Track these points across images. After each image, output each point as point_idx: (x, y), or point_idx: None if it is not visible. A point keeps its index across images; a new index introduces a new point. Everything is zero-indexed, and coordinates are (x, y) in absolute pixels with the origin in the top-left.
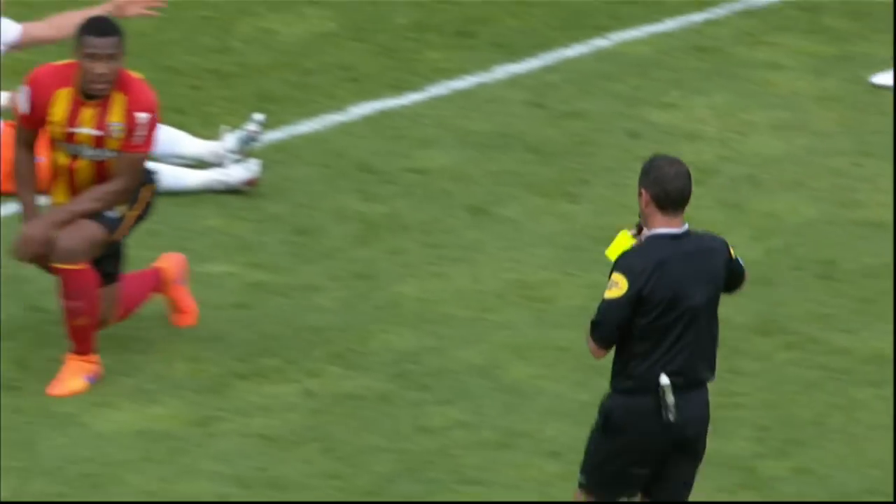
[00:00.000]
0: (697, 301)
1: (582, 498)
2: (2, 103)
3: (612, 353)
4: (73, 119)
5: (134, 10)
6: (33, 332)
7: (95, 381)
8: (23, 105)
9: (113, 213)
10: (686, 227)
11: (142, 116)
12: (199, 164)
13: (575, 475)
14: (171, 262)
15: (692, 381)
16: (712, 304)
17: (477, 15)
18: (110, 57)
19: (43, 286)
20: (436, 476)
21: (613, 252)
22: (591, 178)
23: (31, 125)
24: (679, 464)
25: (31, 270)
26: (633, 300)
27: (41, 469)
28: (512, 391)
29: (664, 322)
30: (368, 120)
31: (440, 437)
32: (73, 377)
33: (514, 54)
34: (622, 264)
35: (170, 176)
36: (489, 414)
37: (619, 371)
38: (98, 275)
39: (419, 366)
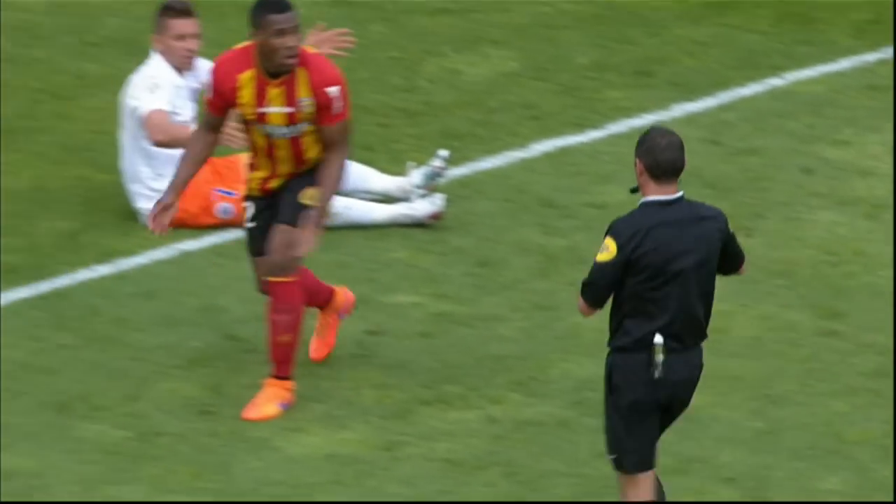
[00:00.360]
0: (686, 264)
1: (622, 483)
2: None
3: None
4: (261, 100)
5: (327, 48)
6: (228, 359)
7: (287, 408)
8: (207, 91)
9: (311, 212)
10: (680, 194)
11: (333, 90)
12: (387, 199)
13: (750, 500)
14: (346, 294)
15: (680, 341)
16: (702, 268)
17: (655, 55)
18: (295, 29)
19: (238, 316)
20: (614, 500)
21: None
22: (766, 212)
23: (215, 110)
24: (664, 425)
25: (228, 300)
26: (623, 263)
27: (236, 491)
28: (688, 418)
29: (654, 284)
30: (549, 156)
31: None
32: (269, 403)
33: (692, 93)
34: (614, 229)
35: (359, 210)
36: (666, 440)
37: (615, 330)
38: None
39: (597, 393)
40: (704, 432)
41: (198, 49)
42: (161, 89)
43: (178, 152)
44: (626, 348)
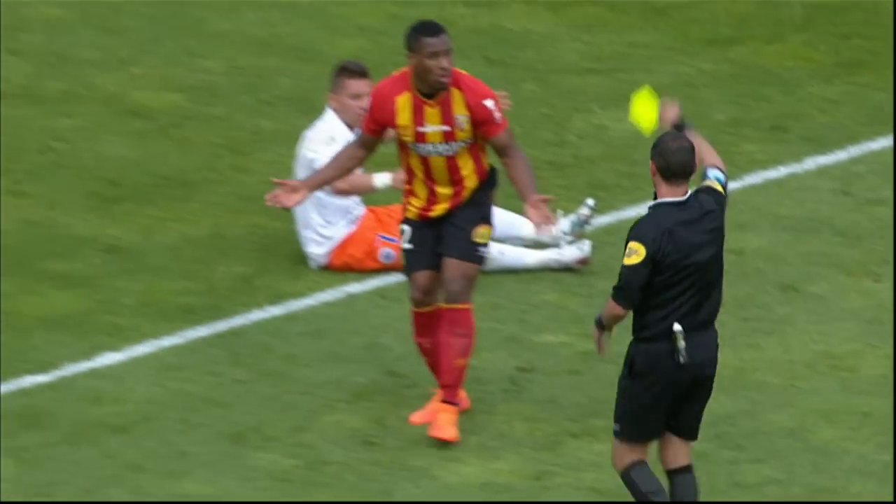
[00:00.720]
0: (702, 258)
1: (620, 448)
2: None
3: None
4: (419, 119)
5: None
6: (390, 394)
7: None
8: (365, 112)
9: (483, 248)
10: (689, 193)
11: (489, 102)
12: (537, 245)
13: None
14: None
15: (700, 324)
16: (715, 258)
17: (789, 112)
18: (448, 51)
19: (399, 353)
20: None
21: (640, 111)
22: (893, 259)
23: (370, 131)
24: (695, 397)
25: (390, 339)
26: (650, 264)
27: None
28: (819, 452)
29: (675, 279)
30: None
31: (754, 493)
32: (449, 425)
33: (824, 147)
34: (637, 234)
35: (511, 255)
36: (799, 472)
37: (639, 322)
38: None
39: (735, 427)
40: (836, 465)
41: None
42: (336, 143)
43: (346, 203)
44: (649, 339)
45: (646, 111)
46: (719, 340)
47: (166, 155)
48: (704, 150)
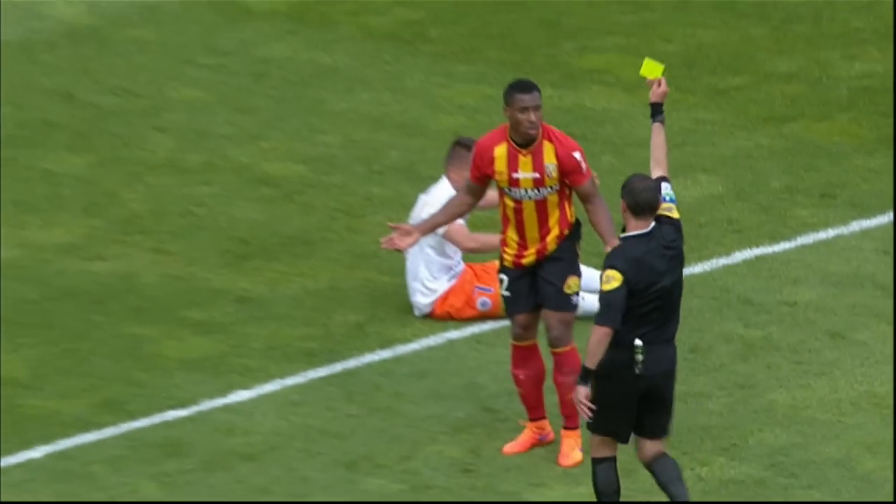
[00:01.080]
0: (667, 283)
1: (594, 439)
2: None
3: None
4: (513, 166)
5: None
6: (486, 427)
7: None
8: (471, 162)
9: (574, 297)
10: (652, 225)
11: (577, 154)
12: None
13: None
14: (549, 429)
15: (663, 340)
16: (677, 283)
17: (837, 181)
18: (536, 107)
19: (493, 391)
20: None
21: (648, 71)
22: None
23: (474, 179)
24: (655, 406)
25: (485, 379)
26: (625, 288)
27: None
28: (864, 479)
29: (643, 301)
30: (748, 263)
31: None
32: (573, 450)
33: (867, 212)
34: (611, 264)
35: (590, 302)
36: (845, 497)
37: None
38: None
39: (788, 458)
40: (879, 491)
41: None
42: None
43: (449, 261)
44: (615, 350)
45: (651, 71)
46: (773, 380)
47: (290, 217)
48: (659, 153)
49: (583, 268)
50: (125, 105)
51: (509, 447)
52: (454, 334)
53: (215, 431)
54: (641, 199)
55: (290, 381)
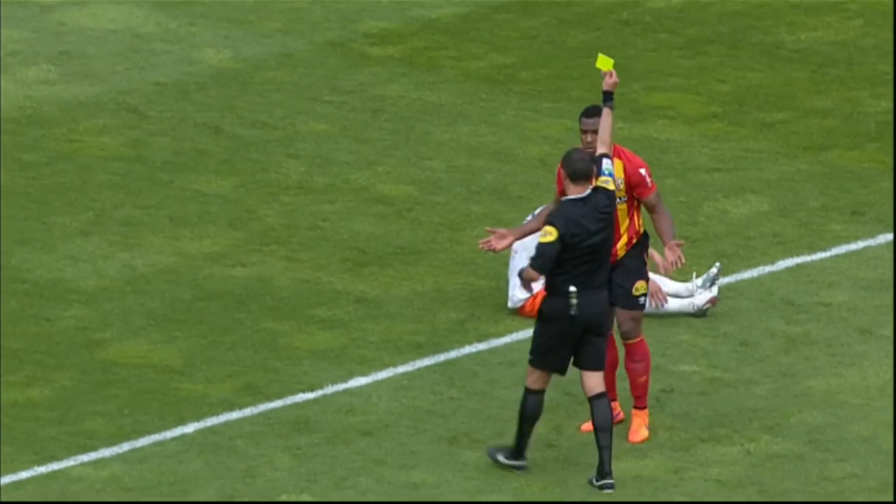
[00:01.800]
0: (597, 240)
1: (533, 373)
2: None
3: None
4: None
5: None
6: (565, 409)
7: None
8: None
9: (642, 297)
10: (588, 191)
11: (642, 170)
12: (676, 296)
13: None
14: (618, 409)
15: (593, 287)
16: (605, 241)
17: (866, 200)
18: (594, 131)
19: (573, 378)
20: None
21: (602, 64)
22: None
23: (560, 192)
24: (590, 340)
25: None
26: (559, 243)
27: (571, 498)
28: (888, 454)
29: (576, 254)
30: (790, 270)
31: (838, 485)
32: (641, 428)
33: (892, 227)
34: (550, 221)
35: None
36: (872, 469)
37: (550, 284)
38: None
39: (824, 435)
40: None
41: None
42: None
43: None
44: (553, 295)
45: (604, 64)
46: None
47: (401, 231)
48: (604, 132)
49: (654, 276)
50: (263, 136)
51: (586, 426)
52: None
53: (338, 411)
54: (577, 168)
55: (401, 369)
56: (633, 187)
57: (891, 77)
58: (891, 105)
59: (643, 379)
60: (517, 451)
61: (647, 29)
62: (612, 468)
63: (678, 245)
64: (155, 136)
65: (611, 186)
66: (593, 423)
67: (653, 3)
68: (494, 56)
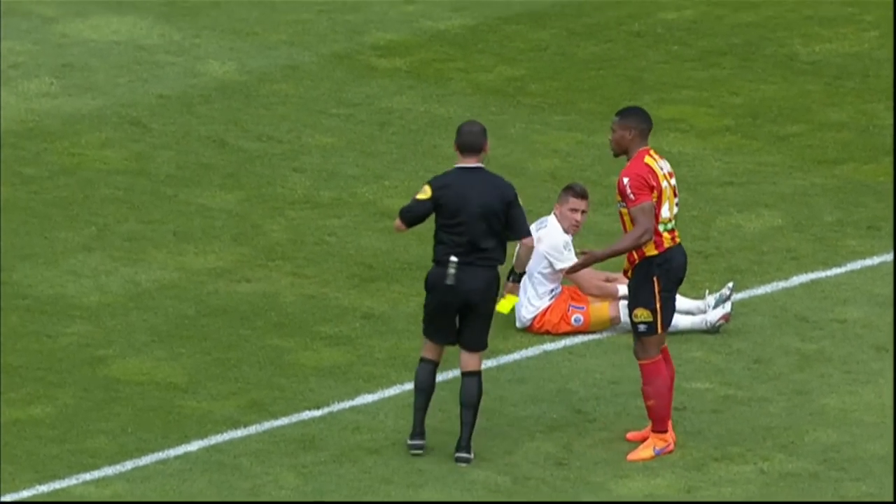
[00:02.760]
0: (473, 211)
1: (424, 342)
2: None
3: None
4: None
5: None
6: (577, 427)
7: (662, 454)
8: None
9: (642, 325)
10: (479, 165)
11: (624, 180)
12: (688, 314)
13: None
14: (673, 439)
15: (469, 262)
16: (486, 216)
17: (882, 215)
18: (613, 131)
19: (583, 396)
20: None
21: (504, 307)
22: None
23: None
24: (469, 318)
25: (576, 385)
26: (432, 203)
27: None
28: (892, 470)
29: (452, 223)
30: (804, 285)
31: None
32: (646, 449)
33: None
34: (429, 181)
35: (679, 321)
36: (888, 488)
37: (434, 252)
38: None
39: (839, 454)
40: None
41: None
42: (569, 248)
43: (553, 285)
44: (435, 264)
45: (506, 307)
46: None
47: (408, 246)
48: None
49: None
50: (268, 149)
51: (632, 434)
52: (549, 346)
53: (344, 429)
54: (464, 140)
55: (409, 386)
56: (618, 194)
57: None
58: None
59: (650, 402)
60: (412, 427)
61: (659, 41)
62: (471, 444)
63: (589, 258)
64: (158, 149)
65: (517, 202)
66: (460, 399)
67: (665, 14)
68: (503, 68)
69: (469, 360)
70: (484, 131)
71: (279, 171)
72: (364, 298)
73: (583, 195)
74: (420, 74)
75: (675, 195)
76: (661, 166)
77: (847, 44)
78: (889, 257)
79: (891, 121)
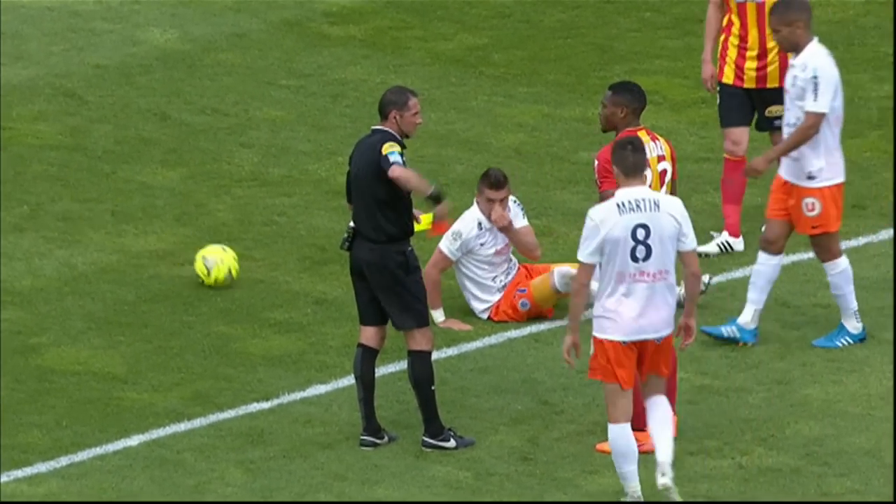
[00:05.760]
0: (357, 173)
1: (360, 327)
2: None
3: None
4: None
5: None
6: (542, 419)
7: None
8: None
9: None
10: (379, 127)
11: (595, 162)
12: None
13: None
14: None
15: (361, 233)
16: (366, 177)
17: (867, 193)
18: (604, 105)
19: (550, 386)
20: None
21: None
22: None
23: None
24: (382, 300)
25: (542, 375)
26: (349, 165)
27: None
28: (892, 468)
29: (349, 187)
30: (785, 268)
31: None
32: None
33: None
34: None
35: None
36: (875, 485)
37: None
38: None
39: (822, 448)
40: None
41: None
42: (458, 240)
43: (489, 281)
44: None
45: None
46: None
47: None
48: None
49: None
50: (214, 123)
51: (601, 446)
52: (514, 333)
53: (295, 422)
54: (379, 102)
55: None
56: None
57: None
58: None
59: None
60: (361, 421)
61: (630, 7)
62: (435, 430)
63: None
64: (95, 123)
65: (385, 160)
66: (409, 376)
67: None
68: (464, 36)
69: (409, 340)
70: (397, 92)
71: (225, 146)
72: (316, 282)
73: (497, 185)
74: (375, 43)
75: (661, 182)
76: (646, 150)
77: (830, 10)
78: (875, 237)
79: (876, 92)
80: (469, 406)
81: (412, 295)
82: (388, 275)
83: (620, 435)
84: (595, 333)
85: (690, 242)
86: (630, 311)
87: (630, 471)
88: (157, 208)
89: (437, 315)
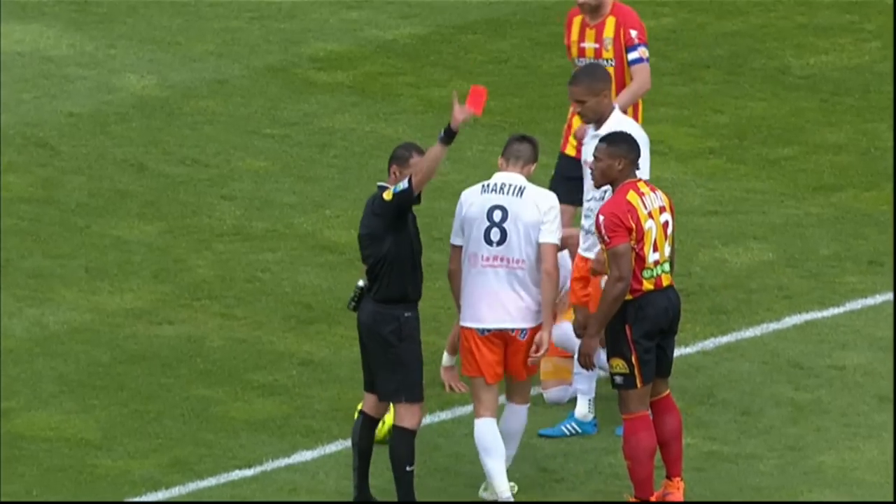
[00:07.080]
0: (363, 232)
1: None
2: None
3: None
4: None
5: None
6: (541, 487)
7: None
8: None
9: (618, 376)
10: (377, 189)
11: (600, 218)
12: None
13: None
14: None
15: (369, 295)
16: (370, 238)
17: (884, 248)
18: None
19: (549, 452)
20: None
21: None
22: None
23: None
24: (375, 365)
25: (541, 441)
26: None
27: None
28: (892, 468)
29: (360, 247)
30: (798, 327)
31: None
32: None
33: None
34: None
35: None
36: None
37: None
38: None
39: None
40: None
41: None
42: None
43: None
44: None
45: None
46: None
47: (352, 283)
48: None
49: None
50: (194, 174)
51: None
52: None
53: (279, 491)
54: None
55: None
56: (597, 231)
57: None
58: None
59: (627, 463)
60: (353, 489)
61: None
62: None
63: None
64: (68, 174)
65: (387, 196)
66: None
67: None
68: (458, 83)
69: (395, 412)
70: (404, 148)
71: (205, 198)
72: (302, 342)
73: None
74: (365, 90)
75: (665, 234)
76: (647, 203)
77: (845, 56)
78: (892, 296)
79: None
80: (464, 473)
81: (402, 365)
82: (380, 340)
83: (485, 430)
84: (460, 322)
85: (549, 235)
86: (484, 297)
87: (495, 468)
88: (133, 264)
89: (446, 359)
